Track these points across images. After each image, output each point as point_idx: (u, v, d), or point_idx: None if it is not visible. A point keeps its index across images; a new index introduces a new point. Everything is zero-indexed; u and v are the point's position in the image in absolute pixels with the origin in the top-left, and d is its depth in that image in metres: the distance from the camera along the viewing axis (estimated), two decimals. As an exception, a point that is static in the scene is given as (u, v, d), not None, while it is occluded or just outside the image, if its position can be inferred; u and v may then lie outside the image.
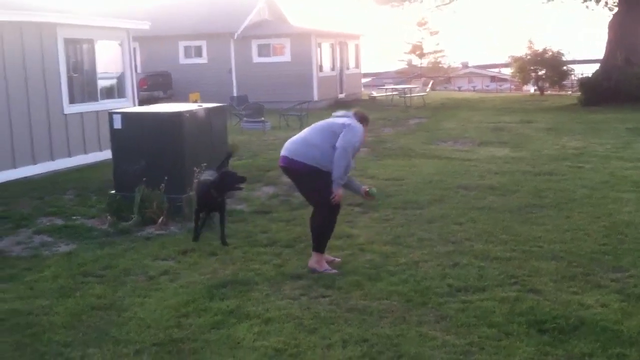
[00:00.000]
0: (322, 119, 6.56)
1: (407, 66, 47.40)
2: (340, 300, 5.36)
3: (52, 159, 11.46)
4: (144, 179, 7.96)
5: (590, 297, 5.28)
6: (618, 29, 24.84)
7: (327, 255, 6.28)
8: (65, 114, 11.85)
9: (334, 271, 6.05)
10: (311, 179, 6.03)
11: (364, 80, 36.02)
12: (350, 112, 6.34)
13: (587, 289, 5.50)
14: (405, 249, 6.75)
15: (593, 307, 5.07)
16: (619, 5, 25.98)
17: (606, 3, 28.05)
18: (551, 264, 6.14)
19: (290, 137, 6.59)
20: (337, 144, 5.88)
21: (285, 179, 10.65)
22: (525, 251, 6.56)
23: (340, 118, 6.26)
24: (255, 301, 5.38)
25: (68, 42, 12.05)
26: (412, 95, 27.58)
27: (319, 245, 6.14)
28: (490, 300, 5.27)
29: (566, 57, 30.78)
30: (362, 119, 6.29)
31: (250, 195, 9.49)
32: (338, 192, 5.91)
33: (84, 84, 12.56)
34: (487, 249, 6.64)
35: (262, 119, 18.45)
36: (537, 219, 7.80)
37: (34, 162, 11.17)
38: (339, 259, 6.40)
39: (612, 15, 26.15)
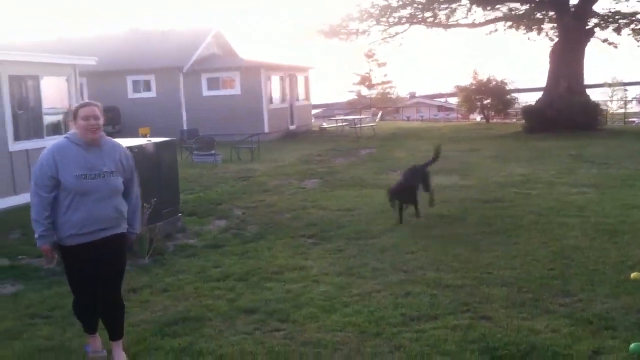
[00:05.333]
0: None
1: (356, 97, 47.89)
2: (295, 333, 5.33)
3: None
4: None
5: (540, 323, 5.37)
6: (559, 58, 25.65)
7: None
8: (10, 152, 11.60)
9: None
10: None
11: (314, 112, 36.31)
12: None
13: (537, 314, 5.59)
14: (358, 280, 6.76)
15: (543, 333, 5.16)
16: (558, 35, 26.86)
17: (546, 34, 29.00)
18: (502, 290, 6.23)
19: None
20: None
21: (237, 212, 10.65)
22: (476, 278, 6.65)
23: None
24: (208, 337, 5.31)
25: (12, 79, 11.85)
26: (362, 125, 27.89)
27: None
28: (443, 329, 5.32)
29: (510, 86, 31.68)
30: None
31: (201, 230, 9.41)
32: (43, 246, 4.54)
33: (29, 121, 12.33)
34: (438, 277, 6.71)
35: (213, 151, 18.38)
36: (486, 246, 7.92)
37: (-22, 200, 10.88)
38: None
39: (552, 45, 27.01)
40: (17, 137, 11.82)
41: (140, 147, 8.50)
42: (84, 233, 4.43)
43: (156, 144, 8.93)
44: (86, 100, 4.88)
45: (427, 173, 10.12)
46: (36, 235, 4.49)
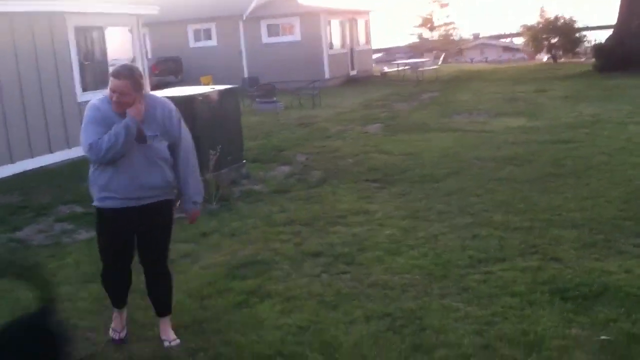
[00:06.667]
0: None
1: (418, 40, 46.91)
2: (362, 276, 5.37)
3: (69, 147, 11.50)
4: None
5: (612, 264, 5.25)
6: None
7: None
8: (79, 102, 11.88)
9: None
10: None
11: (375, 56, 35.77)
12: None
13: (609, 255, 5.47)
14: (424, 223, 6.73)
15: (616, 274, 5.04)
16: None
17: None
18: (572, 232, 6.10)
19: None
20: None
21: (301, 158, 10.70)
22: (545, 220, 6.52)
23: None
24: (276, 280, 5.40)
25: (78, 30, 12.05)
26: (424, 69, 27.37)
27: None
28: (512, 271, 5.26)
29: (578, 24, 30.42)
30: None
31: (267, 176, 9.50)
32: None
33: (96, 72, 12.57)
34: (506, 220, 6.61)
35: (274, 99, 18.40)
36: (555, 188, 7.75)
37: (51, 151, 11.23)
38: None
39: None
40: (85, 88, 12.07)
41: (203, 95, 8.57)
42: (120, 198, 4.10)
43: (220, 91, 8.98)
44: (124, 64, 4.21)
45: None
46: None
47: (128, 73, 4.04)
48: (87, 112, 4.10)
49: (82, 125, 4.09)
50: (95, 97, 4.22)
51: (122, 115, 4.00)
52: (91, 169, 4.18)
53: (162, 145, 4.14)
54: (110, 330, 4.51)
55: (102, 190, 4.14)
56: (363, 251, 5.95)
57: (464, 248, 5.87)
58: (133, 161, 4.06)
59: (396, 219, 6.95)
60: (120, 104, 4.00)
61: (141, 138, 4.04)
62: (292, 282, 5.33)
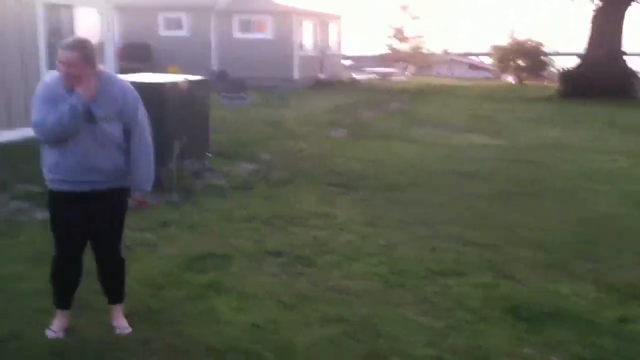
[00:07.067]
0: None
1: (389, 51, 47.22)
2: (320, 279, 5.37)
3: (30, 125, 11.25)
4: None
5: (565, 286, 5.35)
6: (600, 23, 25.01)
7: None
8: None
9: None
10: None
11: (344, 63, 35.82)
12: None
13: (563, 277, 5.57)
14: (383, 231, 6.77)
15: (568, 297, 5.14)
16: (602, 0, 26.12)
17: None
18: (528, 251, 6.20)
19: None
20: None
21: (265, 156, 10.66)
22: (502, 237, 6.62)
23: None
24: (234, 276, 5.37)
25: (47, 7, 11.80)
26: (393, 79, 27.56)
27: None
28: (467, 285, 5.32)
29: (547, 49, 31.04)
30: None
31: (230, 171, 9.44)
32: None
33: (62, 50, 12.31)
34: (464, 234, 6.68)
35: (243, 95, 18.30)
36: (514, 206, 7.87)
37: (11, 127, 10.97)
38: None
39: (595, 10, 26.30)
40: (50, 66, 11.82)
41: (174, 84, 8.48)
42: (69, 180, 3.95)
43: (191, 81, 8.90)
44: (76, 37, 4.06)
45: None
46: None
47: (78, 44, 3.86)
48: (37, 89, 3.98)
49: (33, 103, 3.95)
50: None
51: (73, 92, 3.83)
52: (42, 148, 4.06)
53: (114, 127, 3.95)
54: (48, 330, 4.22)
55: (50, 172, 4.00)
56: (322, 254, 5.95)
57: (421, 259, 5.91)
58: (82, 142, 3.88)
59: (356, 224, 6.97)
60: (69, 77, 3.82)
61: (90, 118, 3.86)
62: (250, 279, 5.30)
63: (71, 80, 3.84)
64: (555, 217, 7.45)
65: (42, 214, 6.93)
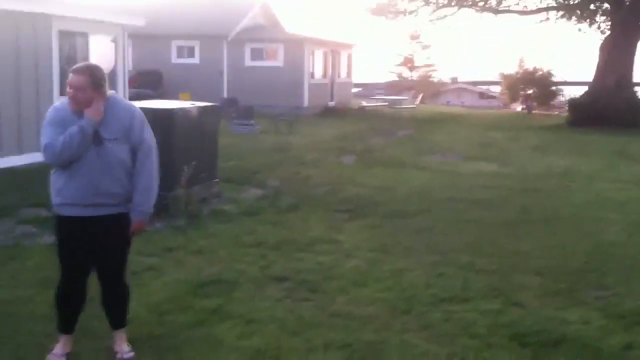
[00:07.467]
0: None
1: (397, 78, 47.46)
2: (325, 304, 5.35)
3: (40, 150, 11.34)
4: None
5: (572, 314, 5.30)
6: (609, 52, 25.07)
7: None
8: (55, 106, 11.77)
9: None
10: None
11: (354, 90, 36.09)
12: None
13: (569, 305, 5.52)
14: (391, 257, 6.75)
15: (575, 324, 5.09)
16: (611, 28, 26.24)
17: (599, 26, 28.35)
18: (535, 279, 6.16)
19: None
20: None
21: (273, 182, 10.70)
22: (510, 265, 6.58)
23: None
24: (239, 301, 5.36)
25: (63, 34, 11.99)
26: (402, 107, 27.67)
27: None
28: (474, 312, 5.28)
29: (556, 78, 31.13)
30: None
31: (237, 197, 9.47)
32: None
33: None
34: (472, 261, 6.65)
35: (252, 122, 18.42)
36: (522, 234, 7.84)
37: (21, 153, 11.08)
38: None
39: (603, 38, 26.41)
40: (63, 92, 11.96)
41: (184, 110, 8.56)
42: (75, 204, 3.96)
43: (200, 107, 8.98)
44: (86, 62, 4.15)
45: None
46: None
47: (86, 69, 3.95)
48: (47, 114, 4.04)
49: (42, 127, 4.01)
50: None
51: (81, 116, 3.89)
52: (51, 172, 4.09)
53: (121, 149, 3.98)
54: (50, 354, 4.19)
55: (58, 195, 4.00)
56: (328, 280, 5.94)
57: (428, 285, 5.89)
58: (89, 164, 3.91)
59: (363, 250, 6.96)
60: (77, 101, 3.89)
61: (98, 140, 3.91)
62: (255, 304, 5.29)
63: (78, 104, 3.90)
64: (563, 245, 7.41)
65: (49, 239, 6.98)
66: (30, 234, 7.21)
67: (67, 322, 4.26)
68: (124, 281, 4.31)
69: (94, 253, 4.13)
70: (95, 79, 3.92)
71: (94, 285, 4.30)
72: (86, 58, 12.66)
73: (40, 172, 10.30)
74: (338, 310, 5.22)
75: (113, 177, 3.97)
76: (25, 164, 10.98)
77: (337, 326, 4.91)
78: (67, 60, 12.24)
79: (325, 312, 5.17)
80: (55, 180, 4.04)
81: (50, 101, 11.66)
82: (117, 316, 4.36)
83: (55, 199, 4.05)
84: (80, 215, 3.99)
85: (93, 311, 4.47)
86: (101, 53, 13.31)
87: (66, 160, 3.90)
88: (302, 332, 4.78)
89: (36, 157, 11.19)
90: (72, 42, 12.50)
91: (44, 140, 3.93)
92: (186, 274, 5.99)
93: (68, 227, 4.05)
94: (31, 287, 5.49)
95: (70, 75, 3.92)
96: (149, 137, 4.13)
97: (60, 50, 11.97)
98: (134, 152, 4.05)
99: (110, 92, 4.08)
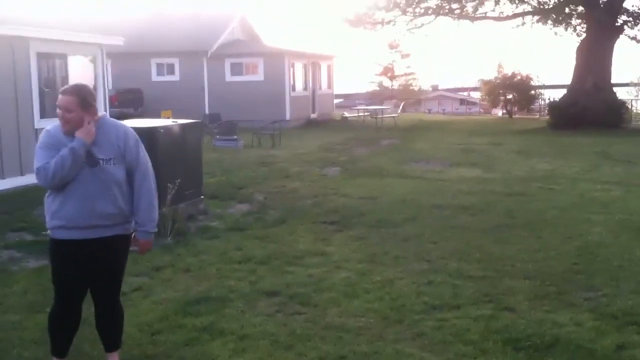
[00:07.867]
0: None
1: (378, 88, 47.66)
2: (316, 317, 5.33)
3: (22, 173, 11.24)
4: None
5: (563, 316, 5.32)
6: (586, 54, 25.35)
7: None
8: (36, 129, 11.68)
9: None
10: None
11: (335, 101, 36.19)
12: None
13: (560, 307, 5.55)
14: (380, 267, 6.75)
15: (567, 326, 5.11)
16: (587, 31, 26.54)
17: (574, 29, 28.68)
18: (524, 283, 6.18)
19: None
20: None
21: (259, 197, 10.67)
22: (499, 270, 6.60)
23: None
24: (230, 318, 5.32)
25: (41, 56, 11.92)
26: (384, 116, 27.77)
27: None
28: (466, 318, 5.29)
29: (535, 82, 31.39)
30: None
31: (223, 213, 9.43)
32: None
33: (56, 99, 12.38)
34: (461, 268, 6.67)
35: (235, 137, 18.40)
36: (509, 239, 7.87)
37: (3, 177, 10.97)
38: None
39: (580, 41, 26.70)
40: (42, 114, 11.89)
41: (166, 128, 8.53)
42: (72, 227, 3.91)
43: (182, 125, 8.95)
44: (75, 83, 4.12)
45: None
46: None
47: (75, 90, 3.95)
48: (40, 138, 4.01)
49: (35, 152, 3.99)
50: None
51: (74, 138, 3.87)
52: (45, 195, 4.05)
53: (117, 170, 3.95)
54: None
55: (53, 218, 3.95)
56: (319, 292, 5.92)
57: (418, 294, 5.89)
58: (84, 185, 3.88)
59: (353, 262, 6.95)
60: (67, 122, 3.88)
61: (92, 161, 3.89)
62: (246, 320, 5.26)
63: (69, 125, 3.89)
64: (550, 248, 7.45)
65: (35, 263, 6.92)
66: (15, 259, 7.11)
67: (61, 346, 4.19)
68: (119, 303, 4.28)
69: (89, 276, 4.08)
70: (83, 99, 3.90)
71: (85, 308, 4.26)
72: (65, 79, 12.60)
73: (24, 196, 10.25)
74: (330, 323, 5.20)
75: (109, 197, 3.94)
76: (7, 188, 10.88)
77: (330, 338, 4.89)
78: (46, 82, 12.18)
79: (317, 325, 5.15)
80: (50, 204, 4.00)
81: (31, 123, 11.59)
82: (112, 337, 4.31)
83: (50, 222, 4.00)
84: (76, 239, 3.94)
85: (84, 334, 4.43)
86: (80, 74, 13.25)
87: (59, 183, 3.87)
88: (295, 346, 4.76)
89: (19, 181, 11.13)
90: (51, 63, 12.43)
91: (36, 163, 3.91)
92: (176, 293, 5.95)
93: (64, 251, 3.99)
94: (19, 312, 5.43)
95: (59, 97, 3.92)
96: (145, 157, 4.11)
97: (39, 71, 11.89)
98: (128, 172, 4.02)
99: (100, 113, 4.06)
